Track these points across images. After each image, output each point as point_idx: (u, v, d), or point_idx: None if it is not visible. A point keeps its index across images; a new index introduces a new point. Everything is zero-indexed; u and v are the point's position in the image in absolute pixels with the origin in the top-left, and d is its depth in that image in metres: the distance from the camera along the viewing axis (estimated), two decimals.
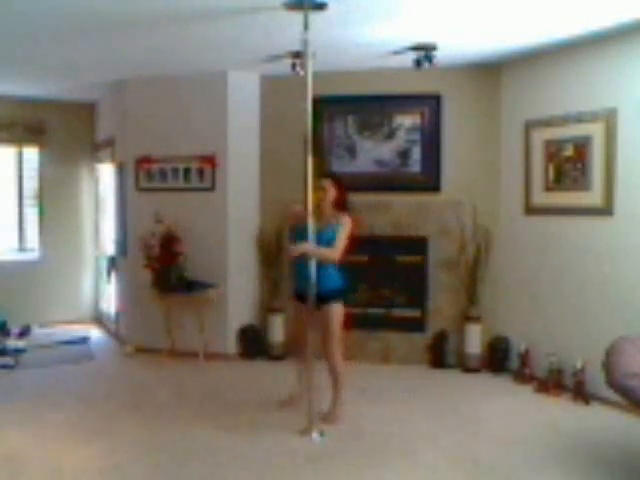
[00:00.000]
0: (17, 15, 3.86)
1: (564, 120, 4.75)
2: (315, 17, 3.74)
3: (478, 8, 3.80)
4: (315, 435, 3.83)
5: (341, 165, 5.67)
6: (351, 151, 5.67)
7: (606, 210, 4.45)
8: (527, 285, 5.14)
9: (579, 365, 4.46)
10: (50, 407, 4.44)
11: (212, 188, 5.73)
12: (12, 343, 6.15)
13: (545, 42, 4.60)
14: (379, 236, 5.60)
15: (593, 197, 4.55)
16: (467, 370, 5.32)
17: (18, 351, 5.91)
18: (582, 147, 4.62)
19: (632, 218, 4.29)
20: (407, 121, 5.54)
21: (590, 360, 4.30)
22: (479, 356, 5.33)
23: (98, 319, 7.43)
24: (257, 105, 5.85)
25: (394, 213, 5.55)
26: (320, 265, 3.98)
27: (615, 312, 4.38)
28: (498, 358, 5.26)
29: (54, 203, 7.23)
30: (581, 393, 4.48)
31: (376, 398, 4.63)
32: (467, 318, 5.35)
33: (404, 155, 5.56)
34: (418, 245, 5.54)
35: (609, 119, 4.40)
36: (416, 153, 5.53)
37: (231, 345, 5.79)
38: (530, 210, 5.08)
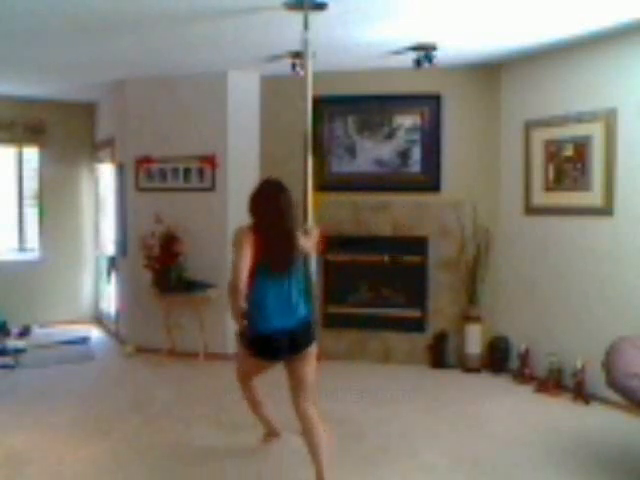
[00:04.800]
0: (17, 15, 3.86)
1: (564, 120, 4.74)
2: (315, 17, 3.73)
3: (478, 8, 3.80)
4: None
5: (341, 165, 5.68)
6: (351, 151, 5.67)
7: (606, 210, 4.45)
8: (527, 285, 5.14)
9: (579, 365, 4.46)
10: (50, 407, 4.44)
11: (212, 188, 5.73)
12: (12, 343, 6.16)
13: (545, 42, 4.60)
14: (379, 236, 5.61)
15: (593, 197, 4.55)
16: (467, 370, 5.32)
17: (18, 351, 5.91)
18: (582, 147, 4.62)
19: (632, 218, 4.29)
20: (407, 121, 5.54)
21: (590, 360, 4.30)
22: (479, 356, 5.33)
23: (98, 319, 7.43)
24: (257, 105, 5.85)
25: (394, 213, 5.55)
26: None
27: (615, 312, 4.38)
28: (498, 358, 5.26)
29: (54, 203, 7.23)
30: (581, 393, 4.48)
31: (376, 398, 4.63)
32: (467, 318, 5.35)
33: (404, 155, 5.56)
34: (418, 245, 5.54)
35: (609, 119, 4.40)
36: (416, 153, 5.53)
37: (231, 345, 5.77)
38: (530, 210, 5.08)
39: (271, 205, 3.17)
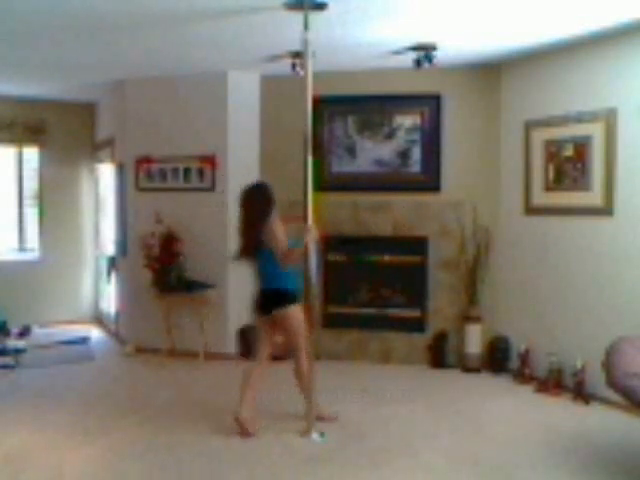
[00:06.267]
0: (17, 15, 3.86)
1: (564, 120, 4.75)
2: (315, 17, 3.74)
3: (478, 8, 3.80)
4: (315, 435, 3.83)
5: (341, 165, 5.68)
6: (351, 151, 5.67)
7: (606, 210, 4.45)
8: (527, 285, 5.14)
9: (579, 365, 4.46)
10: (50, 407, 4.44)
11: (212, 188, 5.73)
12: (12, 343, 6.16)
13: (545, 42, 4.60)
14: (379, 236, 5.61)
15: (593, 197, 4.55)
16: (467, 370, 5.32)
17: (18, 351, 5.91)
18: (582, 147, 4.62)
19: (632, 218, 4.29)
20: (407, 121, 5.54)
21: (590, 360, 4.30)
22: (479, 356, 5.33)
23: (98, 319, 7.43)
24: (257, 105, 5.85)
25: (394, 213, 5.55)
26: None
27: (615, 312, 4.38)
28: (498, 358, 5.26)
29: (54, 203, 7.23)
30: (581, 393, 4.48)
31: (376, 398, 4.63)
32: (467, 318, 5.35)
33: (404, 155, 5.56)
34: (418, 245, 5.55)
35: (609, 119, 4.40)
36: (416, 153, 5.53)
37: (231, 345, 5.78)
38: (530, 210, 5.08)
39: (241, 207, 4.04)
